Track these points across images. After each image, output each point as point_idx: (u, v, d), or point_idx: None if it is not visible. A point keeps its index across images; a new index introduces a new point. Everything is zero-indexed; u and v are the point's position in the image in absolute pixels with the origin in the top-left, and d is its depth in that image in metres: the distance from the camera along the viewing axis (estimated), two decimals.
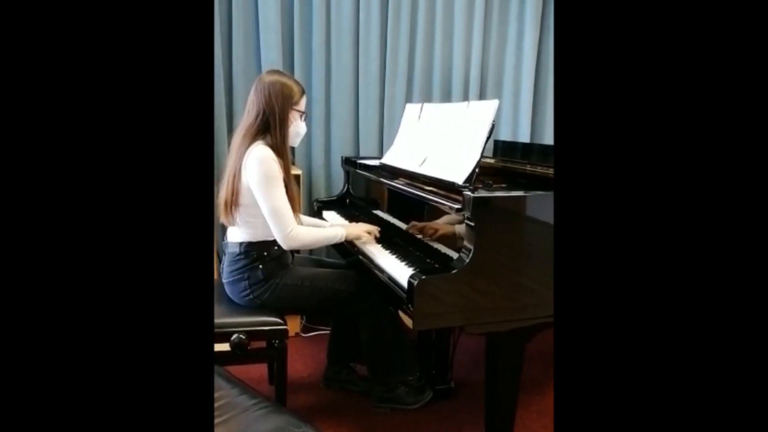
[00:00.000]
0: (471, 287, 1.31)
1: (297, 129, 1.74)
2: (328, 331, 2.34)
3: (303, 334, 2.55)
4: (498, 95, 2.77)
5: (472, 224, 1.29)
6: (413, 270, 1.48)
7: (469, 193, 1.31)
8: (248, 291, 1.67)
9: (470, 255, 1.29)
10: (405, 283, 1.35)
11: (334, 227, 1.80)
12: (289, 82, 1.69)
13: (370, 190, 2.25)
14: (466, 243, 1.33)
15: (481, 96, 2.74)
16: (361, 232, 1.79)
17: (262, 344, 1.68)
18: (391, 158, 2.08)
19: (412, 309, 1.30)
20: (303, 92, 1.73)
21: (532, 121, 2.81)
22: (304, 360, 2.31)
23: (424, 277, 1.27)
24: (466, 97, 2.71)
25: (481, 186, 1.56)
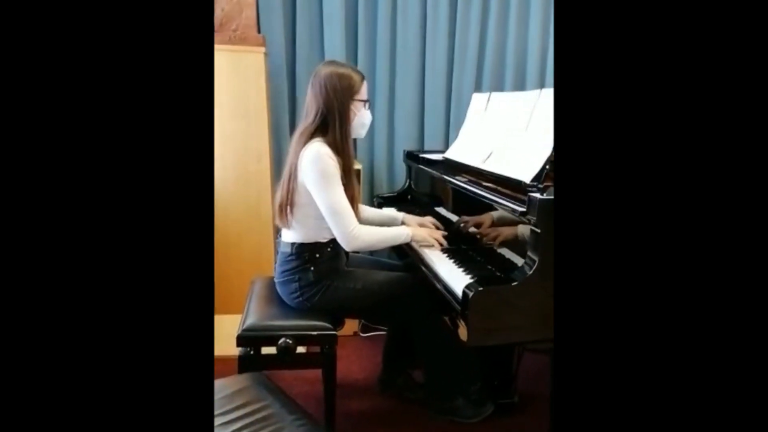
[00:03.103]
0: (533, 301, 1.15)
1: (362, 120, 1.65)
2: (385, 332, 2.25)
3: (362, 334, 2.47)
4: None
5: (538, 231, 1.13)
6: (470, 278, 1.34)
7: (536, 195, 1.14)
8: (298, 293, 1.60)
9: (534, 265, 1.13)
10: (459, 293, 1.22)
11: (400, 227, 1.70)
12: (346, 71, 1.59)
13: (434, 187, 2.12)
14: (529, 252, 1.17)
15: None
16: (429, 236, 1.67)
17: (316, 348, 1.61)
18: (455, 153, 1.94)
19: (465, 322, 1.16)
20: (363, 79, 1.62)
21: None
22: (360, 361, 2.23)
23: (480, 288, 1.13)
24: (541, 85, 2.49)
25: (552, 185, 1.39)
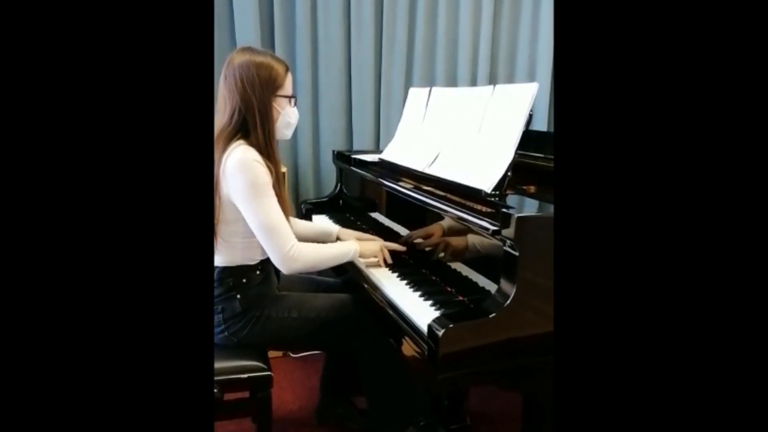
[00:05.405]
0: (512, 334, 1.00)
1: (287, 118, 1.40)
2: (321, 352, 2.04)
3: (293, 355, 2.23)
4: (510, 77, 2.44)
5: (516, 254, 0.97)
6: (431, 305, 1.17)
7: (509, 211, 0.98)
8: (222, 327, 1.34)
9: (513, 293, 0.98)
10: (423, 327, 1.04)
11: (345, 243, 1.48)
12: (266, 60, 1.33)
13: (367, 190, 1.93)
14: (504, 277, 1.01)
15: (491, 80, 2.40)
16: (380, 250, 1.47)
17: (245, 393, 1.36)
18: (392, 154, 1.75)
19: (434, 364, 0.99)
20: (287, 70, 1.37)
21: (550, 106, 2.48)
22: (293, 387, 2.00)
23: (452, 325, 0.96)
24: (474, 81, 2.39)
25: (512, 192, 1.24)
